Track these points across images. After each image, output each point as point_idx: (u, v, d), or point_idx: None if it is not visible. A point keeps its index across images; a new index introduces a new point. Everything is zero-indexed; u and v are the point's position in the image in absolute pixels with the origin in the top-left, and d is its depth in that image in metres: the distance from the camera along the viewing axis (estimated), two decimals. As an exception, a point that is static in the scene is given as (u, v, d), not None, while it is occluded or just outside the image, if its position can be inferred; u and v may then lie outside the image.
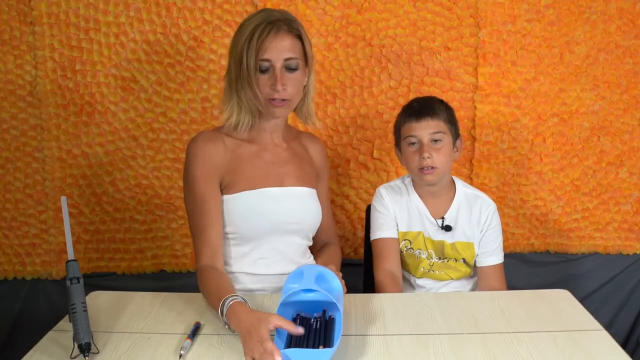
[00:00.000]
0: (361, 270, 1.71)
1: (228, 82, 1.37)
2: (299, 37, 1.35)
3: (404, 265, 1.62)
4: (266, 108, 1.35)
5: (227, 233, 1.38)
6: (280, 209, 1.38)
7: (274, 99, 1.33)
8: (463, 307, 1.24)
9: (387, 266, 1.54)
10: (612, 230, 2.10)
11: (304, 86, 1.40)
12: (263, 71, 1.31)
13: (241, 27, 1.34)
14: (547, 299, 1.27)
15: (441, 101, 1.56)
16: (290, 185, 1.41)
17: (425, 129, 1.49)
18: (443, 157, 1.50)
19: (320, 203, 1.49)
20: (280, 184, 1.40)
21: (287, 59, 1.32)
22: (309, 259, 1.48)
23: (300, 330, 1.02)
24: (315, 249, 1.54)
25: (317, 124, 1.46)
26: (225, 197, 1.36)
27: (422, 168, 1.49)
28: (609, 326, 2.08)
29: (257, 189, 1.36)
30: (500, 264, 1.57)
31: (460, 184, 1.60)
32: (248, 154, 1.39)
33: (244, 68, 1.31)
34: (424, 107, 1.52)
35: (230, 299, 1.12)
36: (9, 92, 1.93)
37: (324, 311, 1.10)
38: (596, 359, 1.02)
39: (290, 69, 1.33)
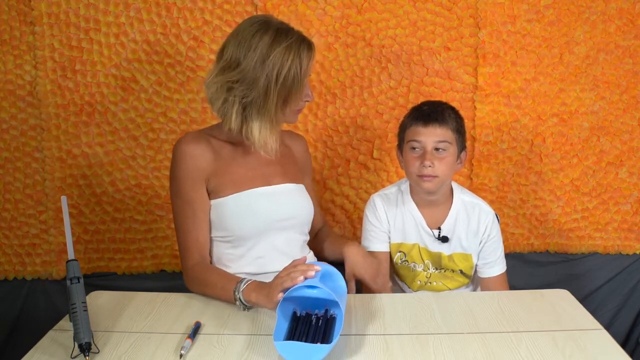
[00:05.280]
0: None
1: (257, 104, 1.30)
2: None
3: (400, 277, 1.60)
4: (290, 120, 1.39)
5: (220, 237, 1.38)
6: (271, 206, 1.39)
7: (300, 109, 1.38)
8: (463, 307, 1.24)
9: (375, 286, 1.51)
10: (612, 230, 2.10)
11: None
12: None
13: (276, 39, 1.29)
14: (547, 299, 1.27)
15: (452, 108, 1.50)
16: (277, 183, 1.42)
17: (431, 136, 1.43)
18: (445, 166, 1.44)
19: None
20: (268, 183, 1.41)
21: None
22: (309, 254, 1.49)
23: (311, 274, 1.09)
24: (310, 238, 1.55)
25: (294, 136, 1.57)
26: (214, 201, 1.37)
27: (422, 175, 1.44)
28: (608, 326, 2.08)
29: (245, 190, 1.37)
30: (502, 273, 1.54)
31: (458, 191, 1.54)
32: (232, 155, 1.40)
33: (296, 85, 1.30)
34: (433, 112, 1.45)
35: (246, 279, 1.22)
36: (9, 92, 1.93)
37: (327, 310, 1.11)
38: (596, 358, 1.02)
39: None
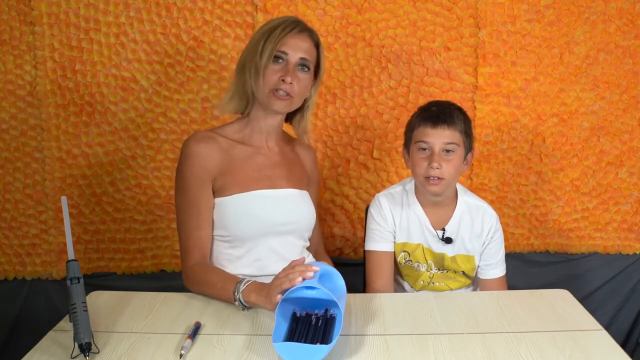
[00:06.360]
0: (361, 270, 1.70)
1: (235, 71, 1.40)
2: (317, 46, 1.40)
3: (403, 276, 1.60)
4: (268, 99, 1.35)
5: (220, 236, 1.38)
6: (272, 210, 1.38)
7: (278, 90, 1.34)
8: (463, 307, 1.24)
9: (378, 285, 1.51)
10: (612, 230, 2.10)
11: (306, 98, 1.43)
12: (276, 63, 1.34)
13: (269, 21, 1.39)
14: (547, 299, 1.27)
15: (460, 110, 1.49)
16: (282, 187, 1.42)
17: (440, 137, 1.43)
18: (452, 168, 1.44)
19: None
20: (272, 186, 1.41)
21: (302, 58, 1.36)
22: (309, 257, 1.49)
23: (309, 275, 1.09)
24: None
25: (311, 140, 1.53)
26: (218, 199, 1.37)
27: (429, 177, 1.43)
28: (609, 326, 2.08)
29: (249, 191, 1.37)
30: (502, 276, 1.54)
31: (462, 192, 1.54)
32: (241, 156, 1.40)
33: (257, 54, 1.33)
34: (441, 114, 1.44)
35: (246, 280, 1.22)
36: (9, 92, 1.93)
37: (326, 310, 1.11)
38: (596, 359, 1.02)
39: (302, 70, 1.36)
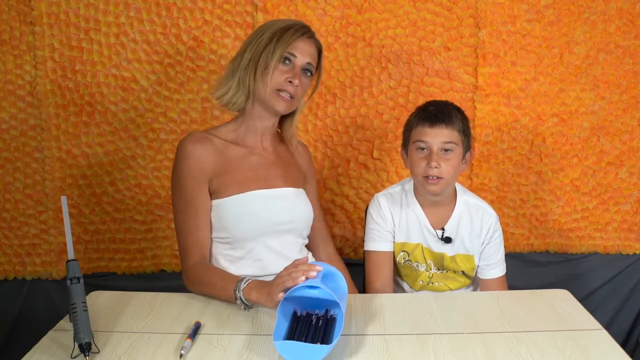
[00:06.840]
0: (361, 270, 1.71)
1: (236, 65, 1.39)
2: (319, 53, 1.43)
3: (402, 276, 1.60)
4: (270, 98, 1.36)
5: (220, 238, 1.39)
6: (270, 209, 1.39)
7: (282, 91, 1.36)
8: (463, 307, 1.24)
9: (378, 285, 1.51)
10: (612, 230, 2.10)
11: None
12: (284, 65, 1.36)
13: (274, 21, 1.40)
14: (547, 299, 1.27)
15: (458, 109, 1.49)
16: (278, 187, 1.43)
17: (438, 137, 1.43)
18: (451, 168, 1.43)
19: (311, 204, 1.51)
20: (269, 185, 1.41)
21: (308, 63, 1.38)
22: (308, 254, 1.49)
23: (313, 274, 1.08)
24: (318, 256, 1.55)
25: (297, 144, 1.54)
26: (215, 201, 1.37)
27: (427, 177, 1.43)
28: (608, 326, 2.08)
29: (246, 192, 1.38)
30: (502, 276, 1.54)
31: (461, 192, 1.54)
32: (236, 156, 1.41)
33: (267, 53, 1.34)
34: (439, 113, 1.44)
35: (247, 278, 1.21)
36: (9, 92, 1.93)
37: (327, 310, 1.11)
38: (596, 358, 1.02)
39: (305, 74, 1.39)
